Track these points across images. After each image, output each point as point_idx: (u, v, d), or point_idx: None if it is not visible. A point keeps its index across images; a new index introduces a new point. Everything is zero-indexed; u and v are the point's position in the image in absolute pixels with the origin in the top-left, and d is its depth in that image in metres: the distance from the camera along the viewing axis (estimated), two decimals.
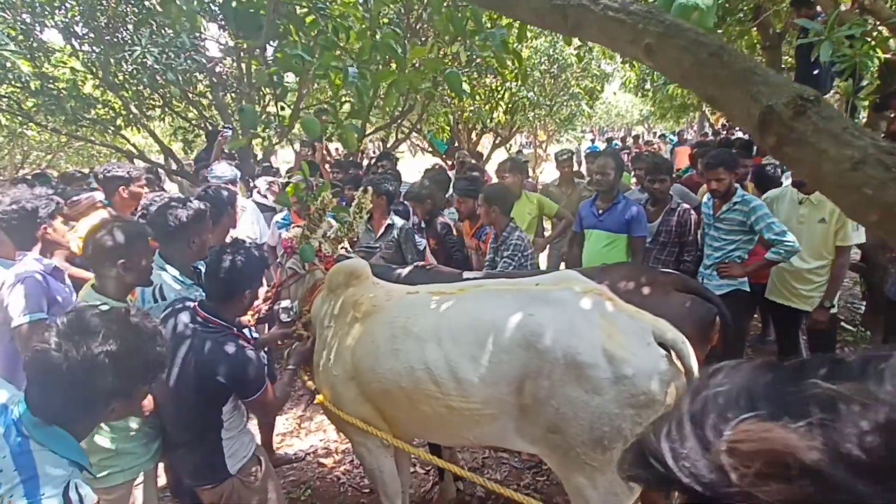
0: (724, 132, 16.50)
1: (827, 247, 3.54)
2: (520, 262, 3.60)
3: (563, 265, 5.01)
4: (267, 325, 3.66)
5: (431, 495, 3.20)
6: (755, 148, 6.43)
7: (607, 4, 0.95)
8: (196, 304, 2.14)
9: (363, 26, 2.18)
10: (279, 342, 2.75)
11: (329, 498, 3.39)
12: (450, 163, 9.57)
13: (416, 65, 2.28)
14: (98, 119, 6.84)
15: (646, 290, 2.46)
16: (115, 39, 5.92)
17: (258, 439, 2.71)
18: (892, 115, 4.61)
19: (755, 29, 5.53)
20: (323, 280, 2.64)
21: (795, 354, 3.97)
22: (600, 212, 3.94)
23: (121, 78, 6.39)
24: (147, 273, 2.21)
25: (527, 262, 3.63)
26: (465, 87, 2.54)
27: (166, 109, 7.56)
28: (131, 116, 6.95)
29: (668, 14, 0.90)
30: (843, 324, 4.98)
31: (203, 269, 2.28)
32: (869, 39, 3.35)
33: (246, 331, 2.36)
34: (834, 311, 3.69)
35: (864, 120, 5.47)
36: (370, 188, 2.92)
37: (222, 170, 4.50)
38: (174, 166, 7.28)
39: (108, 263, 2.03)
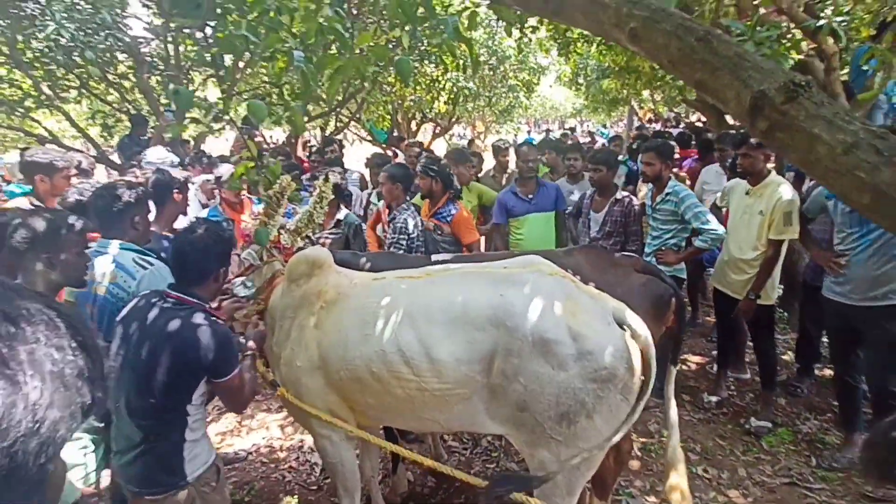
0: (657, 124, 17.34)
1: (761, 239, 3.62)
2: (405, 244, 3.66)
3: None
4: None
5: (383, 488, 3.18)
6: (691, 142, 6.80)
7: None
8: (165, 290, 2.02)
9: (309, 7, 2.10)
10: (233, 318, 2.59)
11: (273, 498, 3.29)
12: (390, 152, 9.47)
13: (363, 51, 2.22)
14: (4, 100, 6.20)
15: (608, 271, 2.58)
16: (24, 12, 5.35)
17: None
18: None
19: None
20: (281, 271, 2.56)
21: (733, 339, 4.26)
22: (530, 196, 4.26)
23: (30, 56, 5.81)
24: (79, 271, 2.05)
25: (412, 245, 3.70)
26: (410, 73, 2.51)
27: (83, 91, 6.94)
28: (43, 98, 6.34)
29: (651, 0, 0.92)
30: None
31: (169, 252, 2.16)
32: (784, 41, 3.62)
33: None
34: (769, 302, 3.76)
35: None
36: (330, 177, 2.82)
37: (159, 154, 4.24)
38: (93, 152, 6.72)
39: (31, 257, 1.85)
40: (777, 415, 3.89)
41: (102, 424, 2.09)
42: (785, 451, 3.55)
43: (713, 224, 3.58)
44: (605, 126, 25.45)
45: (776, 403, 3.97)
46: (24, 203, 3.27)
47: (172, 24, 5.00)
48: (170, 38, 6.09)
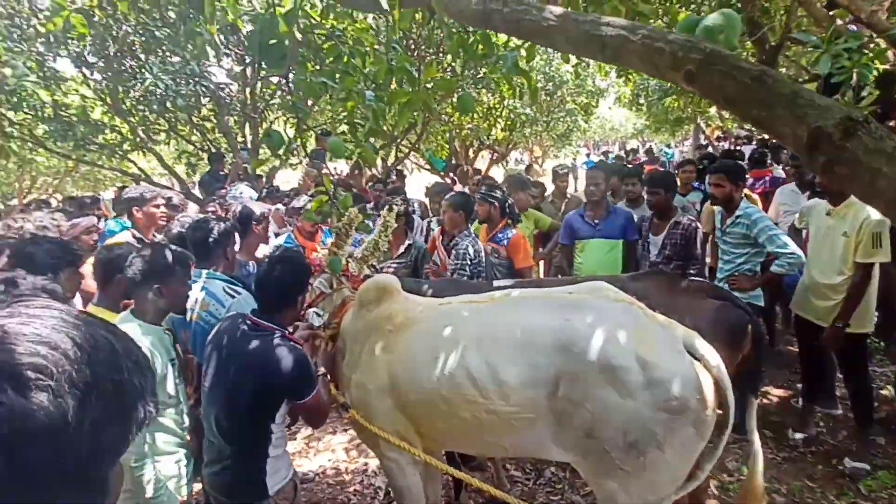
0: (725, 142, 16.62)
1: (847, 262, 3.37)
2: (469, 270, 3.73)
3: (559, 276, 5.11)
4: None
5: None
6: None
7: (646, 34, 1.00)
8: (248, 314, 2.19)
9: (377, 50, 2.25)
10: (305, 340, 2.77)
11: None
12: (448, 179, 9.67)
13: (428, 85, 2.34)
14: (106, 144, 6.94)
15: (678, 297, 2.51)
16: (124, 67, 6.04)
17: None
18: (894, 125, 4.68)
19: (751, 43, 5.64)
20: (350, 298, 2.68)
21: (821, 371, 3.93)
22: (596, 221, 4.14)
23: (128, 104, 6.51)
24: (182, 300, 2.26)
25: (475, 271, 3.75)
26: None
27: (171, 133, 7.66)
28: (138, 141, 7.05)
29: (707, 42, 0.95)
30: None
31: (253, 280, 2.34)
32: (867, 51, 3.44)
33: None
34: (862, 331, 3.47)
35: None
36: (394, 207, 2.96)
37: (242, 190, 4.63)
38: (178, 188, 7.36)
39: (144, 287, 2.08)
40: (876, 456, 3.55)
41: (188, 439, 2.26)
42: (887, 496, 3.21)
43: (791, 247, 3.38)
44: (668, 146, 24.71)
45: (875, 443, 3.63)
46: (128, 236, 3.64)
47: (259, 73, 5.46)
48: (247, 83, 6.63)
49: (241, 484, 2.07)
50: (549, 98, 11.75)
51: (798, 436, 3.80)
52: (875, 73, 3.43)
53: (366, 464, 3.92)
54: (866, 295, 3.37)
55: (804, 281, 3.72)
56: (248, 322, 2.13)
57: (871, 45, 3.52)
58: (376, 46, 2.27)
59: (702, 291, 2.60)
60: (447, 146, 11.51)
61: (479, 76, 6.56)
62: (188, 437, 2.33)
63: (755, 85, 0.87)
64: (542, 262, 5.41)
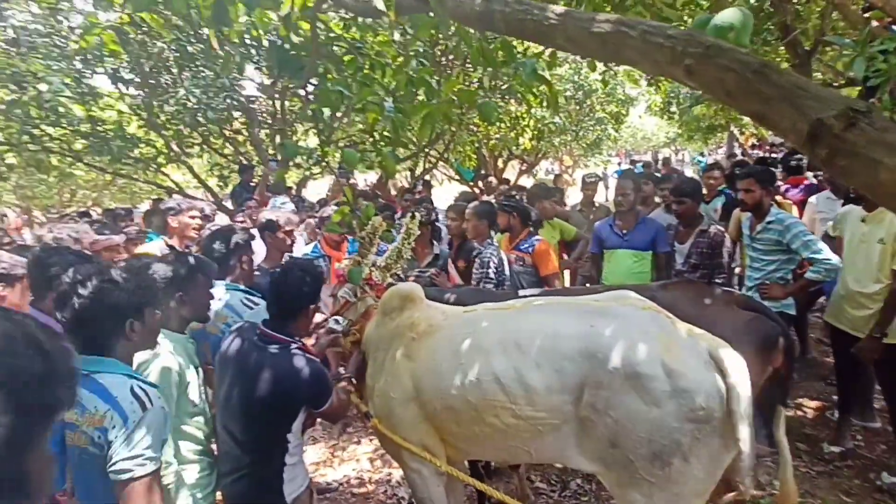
0: (759, 150, 16.21)
1: (884, 270, 3.26)
2: (494, 277, 3.75)
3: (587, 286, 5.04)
4: None
5: None
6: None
7: (645, 30, 0.99)
8: (260, 323, 2.21)
9: (397, 62, 2.28)
10: (328, 350, 2.76)
11: None
12: (476, 189, 9.69)
13: (450, 97, 2.35)
14: (141, 158, 7.21)
15: (708, 308, 2.46)
16: (159, 83, 6.28)
17: None
18: None
19: (783, 47, 5.51)
20: (374, 306, 2.69)
21: (857, 382, 3.78)
22: (624, 231, 4.06)
23: (163, 118, 6.75)
24: (205, 308, 2.30)
25: (500, 279, 3.76)
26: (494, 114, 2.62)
27: (204, 147, 7.90)
28: (172, 154, 7.30)
29: (707, 35, 0.93)
30: None
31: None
32: None
33: None
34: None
35: None
36: (417, 215, 2.97)
37: (285, 201, 4.75)
38: (211, 200, 7.57)
39: (167, 295, 2.12)
40: None
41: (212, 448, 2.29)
42: None
43: (826, 253, 3.26)
44: (702, 154, 24.21)
45: None
46: (159, 245, 3.75)
47: (279, 84, 5.59)
48: (276, 96, 6.79)
49: (258, 492, 2.09)
50: (578, 107, 11.67)
51: (834, 449, 3.66)
52: None
53: (389, 474, 3.92)
54: None
55: (838, 290, 3.59)
56: (259, 333, 2.15)
57: None
58: (398, 59, 2.29)
59: (732, 302, 2.54)
60: (475, 156, 11.54)
61: (503, 86, 6.57)
62: (212, 446, 2.36)
63: (756, 78, 0.84)
64: (566, 271, 5.34)
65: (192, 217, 3.84)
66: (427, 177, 10.43)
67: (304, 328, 2.26)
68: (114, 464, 1.51)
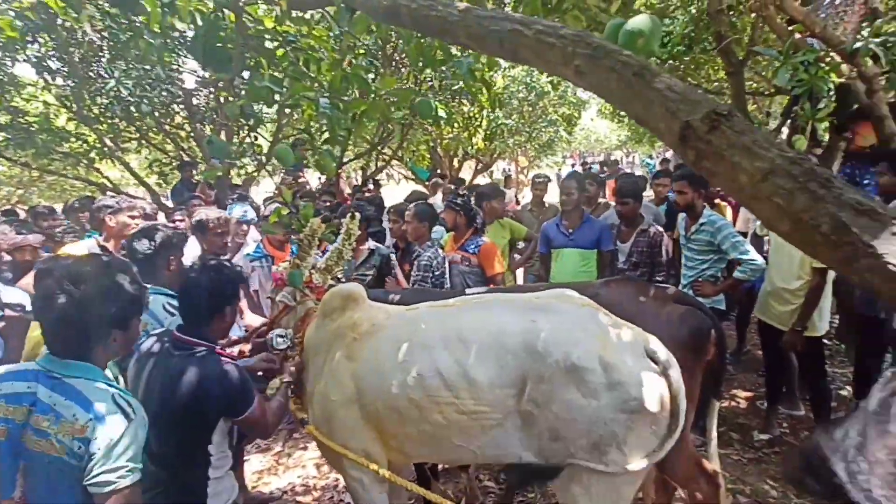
0: None
1: (804, 267, 3.46)
2: (430, 281, 3.77)
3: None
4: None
5: None
6: None
7: (539, 29, 0.99)
8: (174, 329, 2.07)
9: (335, 58, 2.22)
10: (263, 370, 2.61)
11: None
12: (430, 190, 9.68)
13: (386, 94, 2.32)
14: (71, 153, 6.77)
15: (645, 303, 2.54)
16: (90, 73, 5.91)
17: None
18: (850, 136, 4.80)
19: (718, 57, 5.76)
20: (314, 309, 2.60)
21: (780, 372, 4.02)
22: (570, 231, 4.14)
23: (95, 111, 6.36)
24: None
25: (437, 281, 3.79)
26: (442, 113, 2.60)
27: (142, 142, 7.51)
28: (105, 149, 6.88)
29: (596, 37, 0.95)
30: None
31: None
32: (823, 65, 3.52)
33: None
34: (818, 333, 3.59)
35: (826, 141, 5.70)
36: (357, 214, 2.90)
37: (247, 210, 4.57)
38: (150, 198, 7.20)
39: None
40: None
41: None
42: None
43: (752, 254, 3.46)
44: (650, 157, 25.14)
45: None
46: (89, 244, 3.52)
47: (210, 77, 5.37)
48: (214, 90, 6.54)
49: None
50: (531, 108, 11.86)
51: (763, 437, 3.87)
52: (831, 85, 3.52)
53: (336, 479, 3.83)
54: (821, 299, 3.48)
55: (765, 287, 3.81)
56: (171, 339, 2.01)
57: (828, 59, 3.61)
58: (335, 55, 2.23)
59: (668, 298, 2.63)
60: (428, 156, 11.52)
61: (454, 86, 6.58)
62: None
63: (636, 80, 0.86)
64: (519, 270, 5.40)
65: (132, 217, 3.60)
66: (378, 176, 10.33)
67: (220, 331, 2.12)
68: (95, 476, 1.45)
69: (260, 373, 2.55)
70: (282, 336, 2.48)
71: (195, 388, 1.87)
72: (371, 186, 6.67)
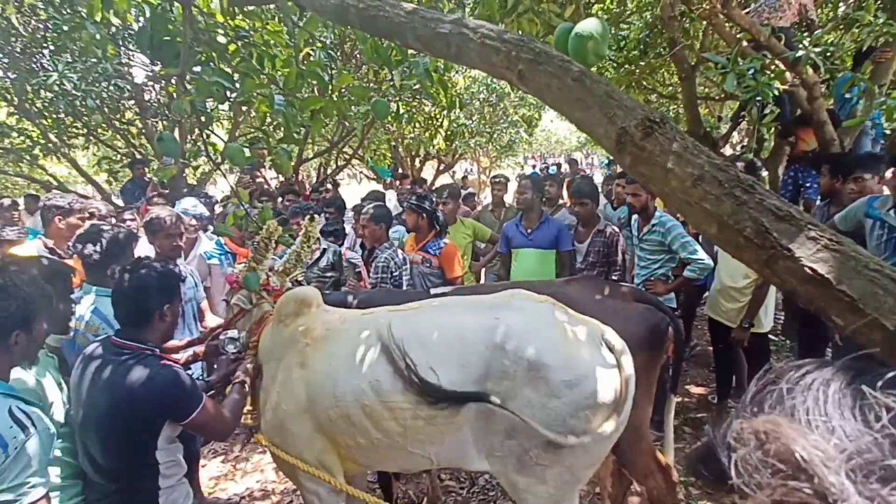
0: None
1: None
2: (389, 283, 3.82)
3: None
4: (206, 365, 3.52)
5: None
6: None
7: (485, 33, 1.01)
8: (111, 335, 1.98)
9: (290, 54, 2.18)
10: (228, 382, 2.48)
11: None
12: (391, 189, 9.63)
13: (344, 92, 2.29)
14: (13, 148, 6.40)
15: (605, 301, 2.58)
16: (32, 66, 5.60)
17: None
18: (794, 141, 5.05)
19: (671, 62, 5.94)
20: (270, 313, 2.52)
21: (729, 367, 4.19)
22: (529, 231, 4.20)
23: (39, 105, 6.03)
24: (65, 319, 2.09)
25: (396, 282, 3.83)
26: (402, 112, 2.59)
27: (91, 138, 7.16)
28: (50, 145, 6.54)
29: (538, 43, 0.97)
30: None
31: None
32: (768, 72, 3.69)
33: (195, 366, 2.18)
34: (763, 329, 3.79)
35: (771, 146, 5.96)
36: (316, 216, 2.85)
37: (192, 203, 4.38)
38: (99, 197, 6.89)
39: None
40: None
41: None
42: None
43: (700, 254, 3.60)
44: (609, 158, 25.71)
45: None
46: (38, 246, 3.33)
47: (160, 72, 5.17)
48: (168, 85, 6.31)
49: None
50: (491, 109, 11.94)
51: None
52: (776, 92, 3.69)
53: None
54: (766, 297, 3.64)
55: (715, 285, 3.97)
56: (109, 344, 1.93)
57: (773, 67, 3.78)
58: (287, 46, 2.19)
59: (627, 296, 2.69)
60: (390, 155, 11.46)
61: (415, 86, 6.55)
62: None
63: (576, 85, 0.89)
64: (482, 272, 5.42)
65: (82, 219, 3.42)
66: (338, 176, 10.21)
67: (160, 333, 2.02)
68: (6, 487, 1.40)
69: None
70: (234, 339, 2.40)
71: (134, 391, 1.79)
72: (329, 186, 6.55)
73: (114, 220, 4.13)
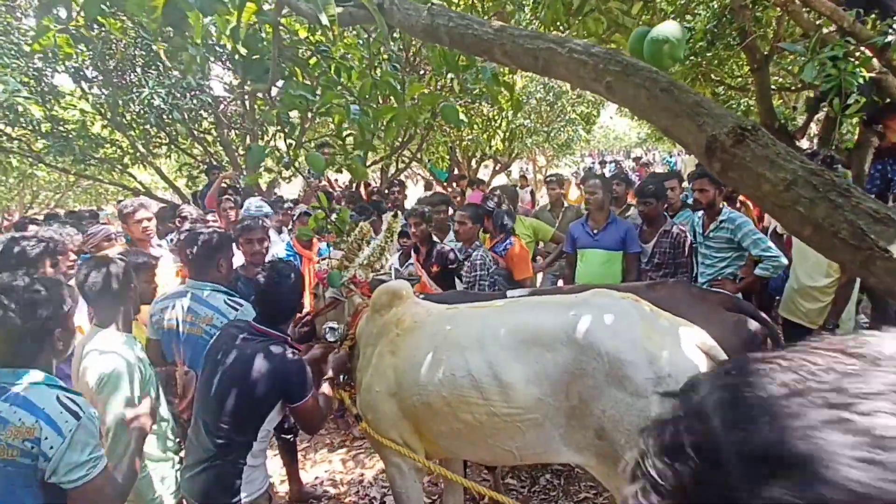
0: None
1: (833, 265, 3.39)
2: (485, 278, 3.86)
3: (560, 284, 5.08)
4: None
5: None
6: None
7: (572, 47, 1.06)
8: (250, 321, 2.29)
9: (363, 66, 2.30)
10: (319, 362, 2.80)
11: None
12: (450, 189, 9.72)
13: (415, 99, 2.39)
14: (106, 158, 7.03)
15: (695, 308, 2.49)
16: (124, 82, 6.14)
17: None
18: (881, 130, 4.70)
19: (743, 52, 5.69)
20: (362, 305, 2.74)
21: None
22: (595, 231, 4.11)
23: (129, 118, 6.60)
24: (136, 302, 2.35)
25: (492, 280, 3.86)
26: (462, 116, 2.66)
27: (172, 147, 7.74)
28: (138, 155, 7.13)
29: (625, 55, 1.00)
30: None
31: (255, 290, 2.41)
32: (853, 60, 3.47)
33: None
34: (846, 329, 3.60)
35: (857, 137, 5.57)
36: (399, 213, 3.02)
37: (257, 204, 4.72)
38: (180, 202, 7.43)
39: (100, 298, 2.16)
40: None
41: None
42: None
43: (775, 251, 3.43)
44: (671, 154, 24.79)
45: None
46: (120, 249, 3.67)
47: (248, 88, 5.51)
48: (246, 97, 6.71)
49: (215, 490, 2.10)
50: (549, 108, 11.82)
51: None
52: (861, 80, 3.47)
53: (362, 475, 3.93)
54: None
55: (791, 285, 3.76)
56: (249, 328, 2.23)
57: (858, 54, 3.55)
58: (362, 58, 2.31)
59: (718, 304, 2.59)
60: (447, 157, 11.57)
61: (474, 90, 6.62)
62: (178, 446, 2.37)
63: (664, 96, 0.92)
64: (540, 274, 5.34)
65: (138, 221, 3.72)
66: (400, 178, 10.43)
67: (289, 325, 2.37)
68: (64, 474, 1.57)
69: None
70: (333, 328, 2.64)
71: (266, 367, 2.06)
72: (397, 189, 6.71)
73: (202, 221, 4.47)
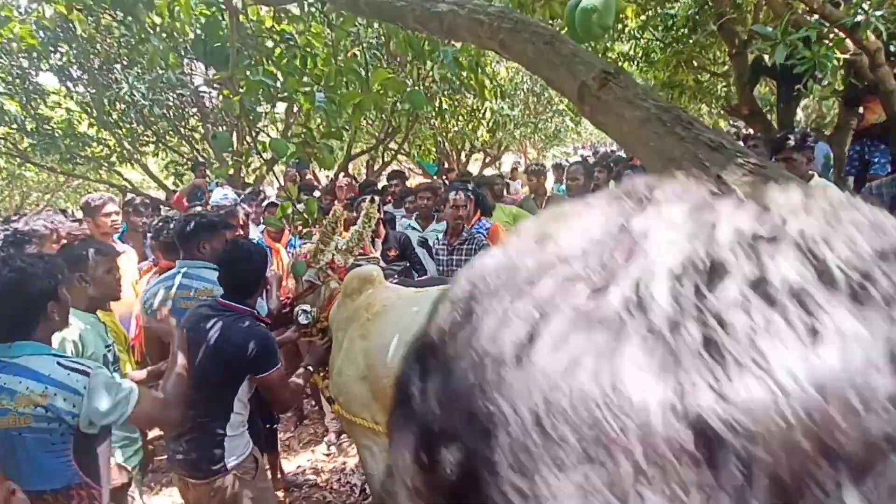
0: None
1: None
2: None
3: None
4: None
5: None
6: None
7: (472, 8, 1.12)
8: (218, 297, 2.35)
9: (328, 54, 2.33)
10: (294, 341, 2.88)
11: None
12: (439, 183, 9.71)
13: (380, 86, 2.42)
14: (93, 157, 7.03)
15: None
16: (108, 80, 6.14)
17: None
18: (861, 111, 4.73)
19: (722, 38, 5.72)
20: (338, 290, 2.78)
21: None
22: None
23: (114, 116, 6.61)
24: (111, 288, 2.39)
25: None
26: (445, 107, 2.70)
27: (160, 145, 7.75)
28: (125, 153, 7.14)
29: (516, 13, 1.05)
30: None
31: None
32: (826, 41, 3.50)
33: None
34: None
35: (837, 117, 5.61)
36: (376, 198, 3.05)
37: (223, 193, 4.73)
38: (167, 198, 7.45)
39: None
40: None
41: None
42: None
43: None
44: None
45: None
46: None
47: (217, 78, 5.52)
48: (221, 90, 6.69)
49: (198, 459, 2.17)
50: (536, 99, 11.81)
51: None
52: (836, 62, 3.49)
53: (343, 463, 3.97)
54: None
55: None
56: (217, 305, 2.29)
57: (832, 35, 3.58)
58: (329, 46, 2.34)
59: None
60: (434, 150, 11.55)
61: (456, 80, 6.63)
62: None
63: (546, 48, 0.97)
64: None
65: (107, 215, 3.60)
66: (386, 171, 10.42)
67: (255, 301, 2.41)
68: (101, 420, 1.64)
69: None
70: (306, 311, 2.69)
71: (230, 339, 2.13)
72: (396, 182, 6.67)
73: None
